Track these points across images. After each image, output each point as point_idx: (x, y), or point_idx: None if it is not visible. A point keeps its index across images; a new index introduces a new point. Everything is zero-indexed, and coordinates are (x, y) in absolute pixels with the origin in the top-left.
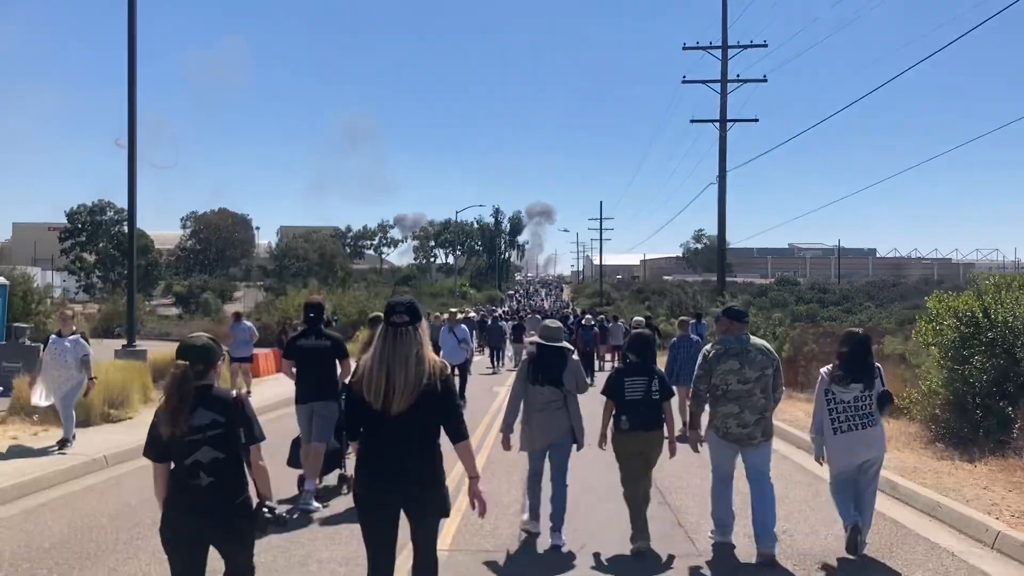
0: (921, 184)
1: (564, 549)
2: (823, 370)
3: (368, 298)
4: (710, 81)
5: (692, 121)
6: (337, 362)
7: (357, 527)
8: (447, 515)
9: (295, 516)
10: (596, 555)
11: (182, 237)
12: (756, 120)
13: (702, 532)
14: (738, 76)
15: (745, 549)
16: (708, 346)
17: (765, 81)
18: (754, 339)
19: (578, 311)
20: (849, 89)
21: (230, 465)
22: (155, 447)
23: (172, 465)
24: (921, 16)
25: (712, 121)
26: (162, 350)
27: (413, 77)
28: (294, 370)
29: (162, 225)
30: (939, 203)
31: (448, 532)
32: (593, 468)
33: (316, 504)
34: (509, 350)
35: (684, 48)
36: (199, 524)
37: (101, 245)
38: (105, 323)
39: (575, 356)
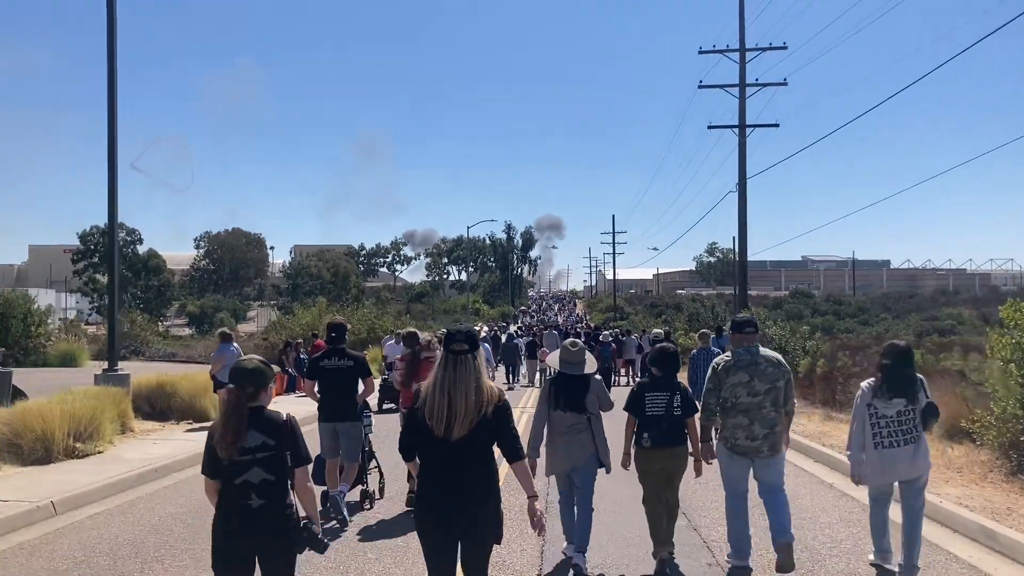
0: (933, 194)
1: (586, 572)
2: (864, 384)
3: (378, 316)
4: (728, 85)
5: (710, 127)
6: (360, 381)
7: (387, 542)
8: (499, 541)
9: (331, 540)
10: None
11: (196, 257)
12: (777, 125)
13: (724, 547)
14: (757, 80)
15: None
16: (717, 358)
17: (785, 84)
18: (765, 351)
19: (591, 325)
20: (871, 90)
21: (278, 486)
22: (210, 465)
23: (221, 484)
24: (943, 15)
25: (731, 127)
26: (154, 373)
27: (422, 91)
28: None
29: (177, 246)
30: (951, 213)
31: None
32: (616, 485)
33: (345, 514)
34: (523, 367)
35: (700, 52)
36: (248, 543)
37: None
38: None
39: (597, 376)
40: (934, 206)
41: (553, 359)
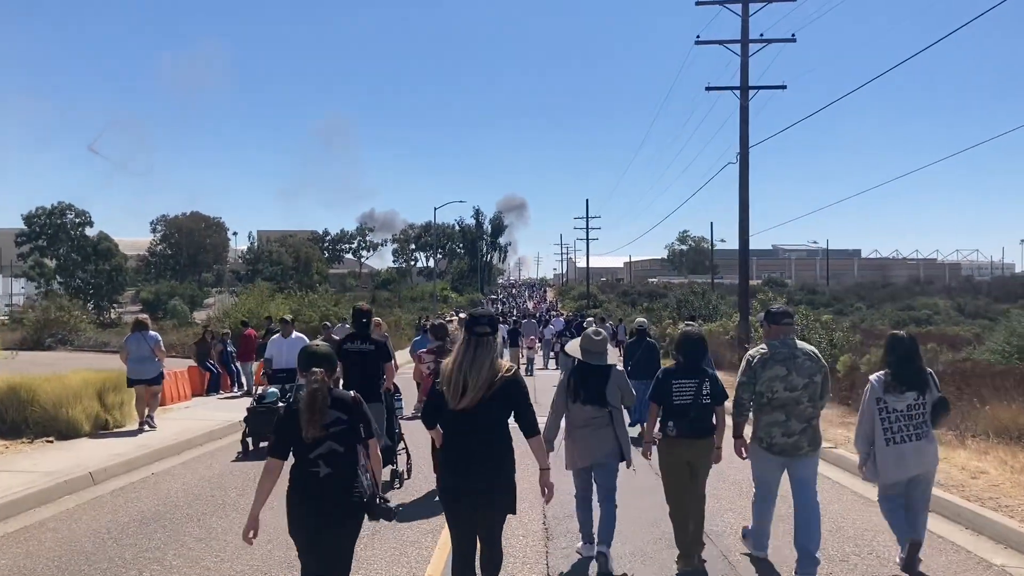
0: (901, 187)
1: (611, 564)
2: (872, 378)
3: (335, 303)
4: (728, 41)
5: (708, 89)
6: (382, 366)
7: (418, 517)
8: (513, 512)
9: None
10: None
11: (152, 242)
12: (784, 87)
13: (723, 537)
14: (761, 35)
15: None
16: (752, 351)
17: (794, 40)
18: (801, 344)
19: (565, 313)
20: (884, 51)
21: (346, 457)
22: (281, 445)
23: (293, 460)
24: None
25: (731, 88)
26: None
27: (387, 73)
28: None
29: (135, 231)
30: (918, 205)
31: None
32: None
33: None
34: (505, 355)
35: (697, 3)
36: (316, 509)
37: (62, 250)
38: (36, 333)
39: (619, 367)
40: (902, 198)
41: (573, 348)
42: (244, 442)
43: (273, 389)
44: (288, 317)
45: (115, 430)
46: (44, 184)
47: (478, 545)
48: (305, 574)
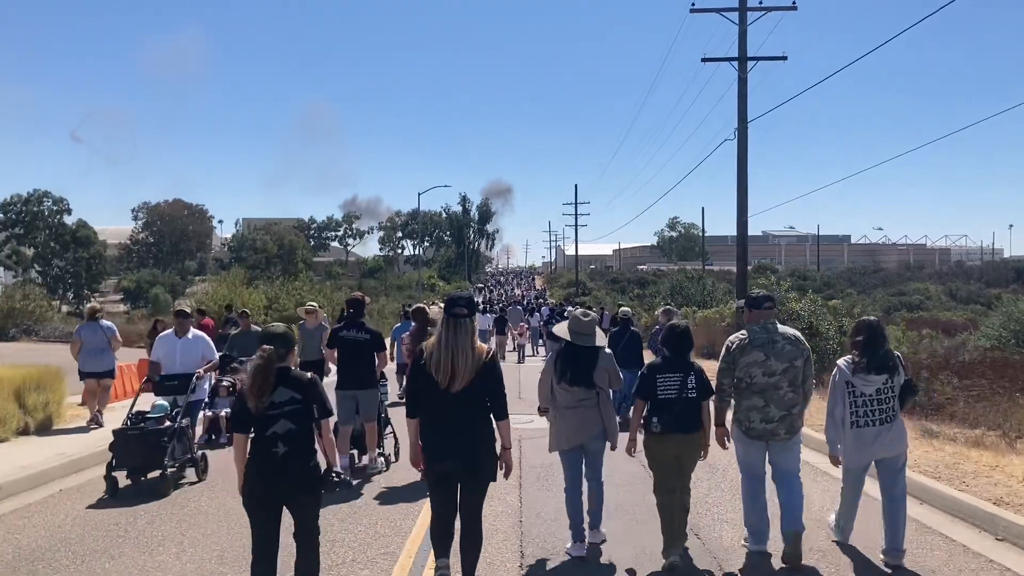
0: (890, 172)
1: (604, 546)
2: (841, 361)
3: (311, 291)
4: (726, 10)
5: (703, 60)
6: (375, 355)
7: (400, 498)
8: (494, 479)
9: (355, 482)
10: (630, 572)
11: (134, 230)
12: (784, 58)
13: (722, 545)
14: (761, 3)
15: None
16: (732, 336)
17: (795, 8)
18: (783, 328)
19: (551, 301)
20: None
21: (302, 436)
22: (238, 420)
23: (252, 435)
24: None
25: (729, 59)
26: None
27: (366, 55)
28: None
29: (116, 220)
30: (906, 190)
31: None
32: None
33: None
34: (492, 343)
35: None
36: (276, 487)
37: (40, 239)
38: None
39: (607, 350)
40: (889, 184)
41: (561, 329)
42: (109, 478)
43: (161, 402)
44: (247, 311)
45: (59, 428)
46: (23, 173)
47: (458, 524)
48: (257, 549)
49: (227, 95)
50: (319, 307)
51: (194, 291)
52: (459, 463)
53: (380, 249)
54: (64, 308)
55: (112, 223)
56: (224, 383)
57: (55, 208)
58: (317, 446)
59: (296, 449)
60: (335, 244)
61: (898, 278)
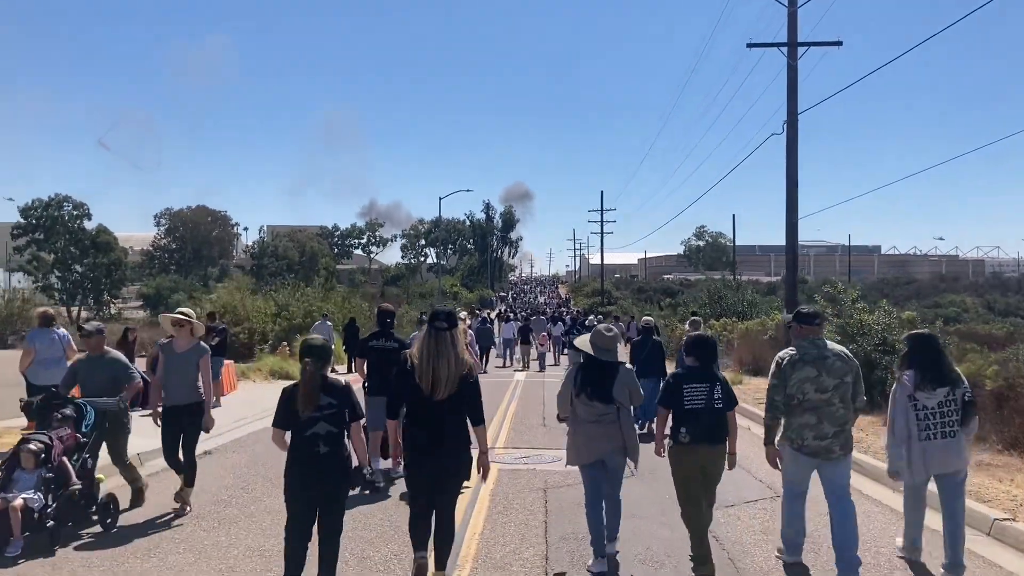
0: (920, 182)
1: (618, 557)
2: (904, 375)
3: (323, 299)
4: None
5: (749, 45)
6: None
7: None
8: (468, 478)
9: (381, 484)
10: None
11: (156, 236)
12: (839, 43)
13: (747, 559)
14: None
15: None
16: (781, 352)
17: None
18: (832, 344)
19: (575, 310)
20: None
21: (339, 437)
22: (282, 419)
23: (291, 434)
24: None
25: (777, 45)
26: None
27: (395, 65)
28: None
29: (143, 227)
30: (937, 202)
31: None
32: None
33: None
34: (517, 352)
35: None
36: (316, 483)
37: (60, 244)
38: None
39: (628, 365)
40: (919, 195)
41: (583, 342)
42: None
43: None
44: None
45: None
46: (51, 180)
47: (433, 517)
48: (293, 524)
49: (252, 103)
50: (195, 317)
51: (211, 298)
52: (439, 464)
53: (402, 257)
54: (84, 314)
55: (135, 229)
56: (30, 446)
57: (75, 213)
58: (348, 444)
59: (335, 448)
60: (358, 252)
61: (932, 290)
